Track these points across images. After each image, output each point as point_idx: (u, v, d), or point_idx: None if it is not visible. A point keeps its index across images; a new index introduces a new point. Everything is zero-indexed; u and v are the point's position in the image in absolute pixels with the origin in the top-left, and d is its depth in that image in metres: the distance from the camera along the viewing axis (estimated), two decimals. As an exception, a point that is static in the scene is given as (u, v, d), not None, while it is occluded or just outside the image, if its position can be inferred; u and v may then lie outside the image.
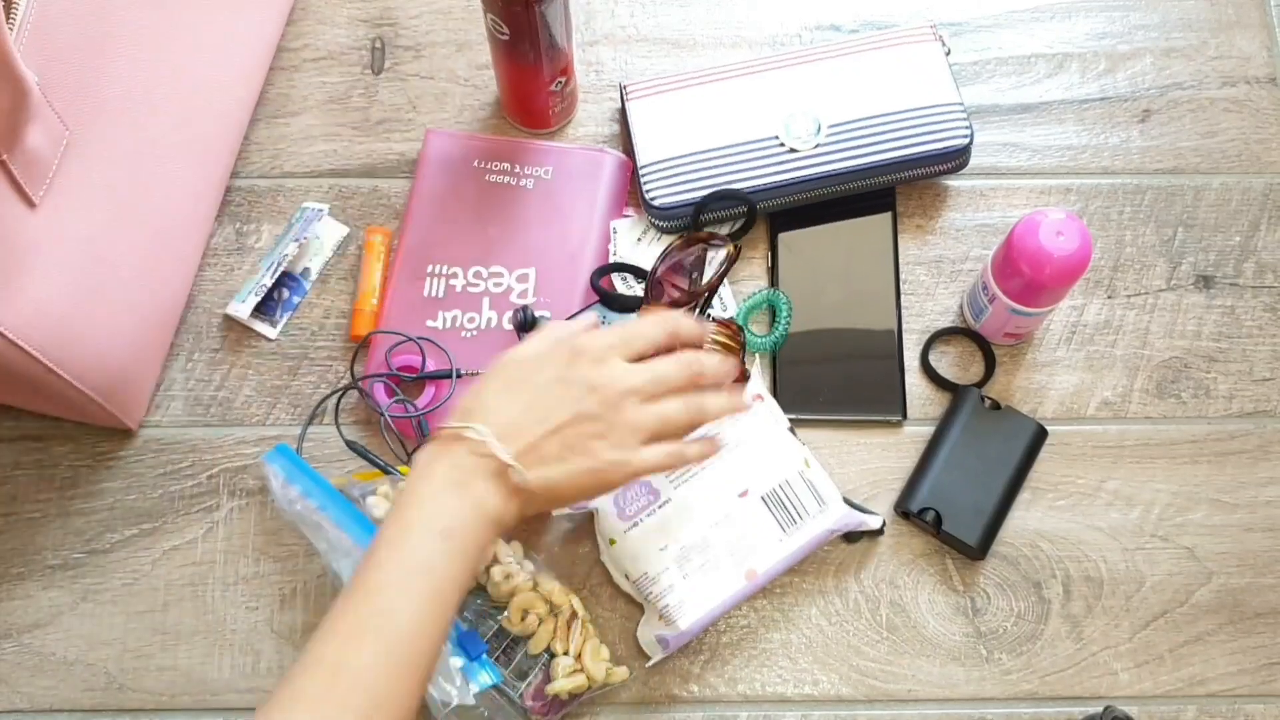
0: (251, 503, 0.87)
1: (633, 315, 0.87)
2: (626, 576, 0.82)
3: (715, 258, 0.88)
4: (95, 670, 0.84)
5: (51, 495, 0.87)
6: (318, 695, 0.60)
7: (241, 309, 0.90)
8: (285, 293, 0.92)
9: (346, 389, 0.88)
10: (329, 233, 0.94)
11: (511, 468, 0.67)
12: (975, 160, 0.96)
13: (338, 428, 0.87)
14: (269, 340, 0.91)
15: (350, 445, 0.86)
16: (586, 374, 0.70)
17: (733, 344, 0.86)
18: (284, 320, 0.92)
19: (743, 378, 0.87)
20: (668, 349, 0.74)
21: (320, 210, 0.93)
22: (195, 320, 0.92)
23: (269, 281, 0.90)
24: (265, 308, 0.92)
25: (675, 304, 0.86)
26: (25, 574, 0.86)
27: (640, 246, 0.92)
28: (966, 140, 0.91)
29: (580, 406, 0.69)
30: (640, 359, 0.72)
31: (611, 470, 0.70)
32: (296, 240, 0.91)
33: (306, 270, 0.93)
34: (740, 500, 0.83)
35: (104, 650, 0.84)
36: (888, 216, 0.94)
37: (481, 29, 1.00)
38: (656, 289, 0.87)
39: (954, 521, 0.84)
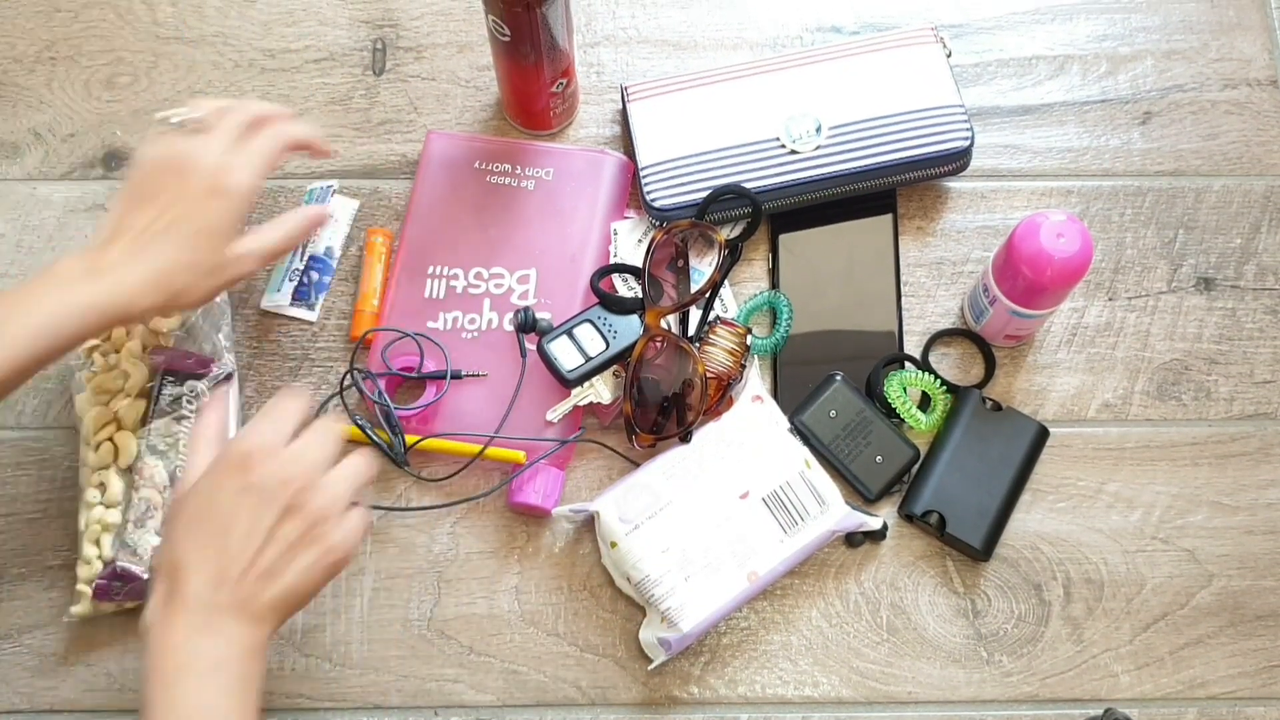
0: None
1: (634, 317, 0.87)
2: (628, 579, 0.82)
3: (708, 252, 0.87)
4: (95, 670, 0.84)
5: (52, 495, 0.87)
6: None
7: (280, 298, 0.90)
8: (315, 275, 0.92)
9: (344, 389, 0.88)
10: (342, 210, 0.94)
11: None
12: (976, 162, 0.96)
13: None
14: (309, 324, 0.92)
15: (356, 421, 0.86)
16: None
17: (738, 346, 0.86)
18: (320, 301, 0.92)
19: (725, 387, 0.87)
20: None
21: (330, 186, 0.93)
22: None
23: (301, 265, 0.91)
24: (299, 293, 0.92)
25: (679, 305, 0.86)
26: (25, 574, 0.86)
27: (641, 248, 0.92)
28: (967, 142, 0.91)
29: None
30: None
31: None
32: None
33: (330, 250, 0.93)
34: (741, 502, 0.83)
35: (104, 650, 0.84)
36: (888, 218, 0.94)
37: (483, 30, 1.00)
38: (654, 288, 0.87)
39: (958, 523, 0.84)
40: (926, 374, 0.89)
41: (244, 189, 0.76)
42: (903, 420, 0.88)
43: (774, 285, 0.92)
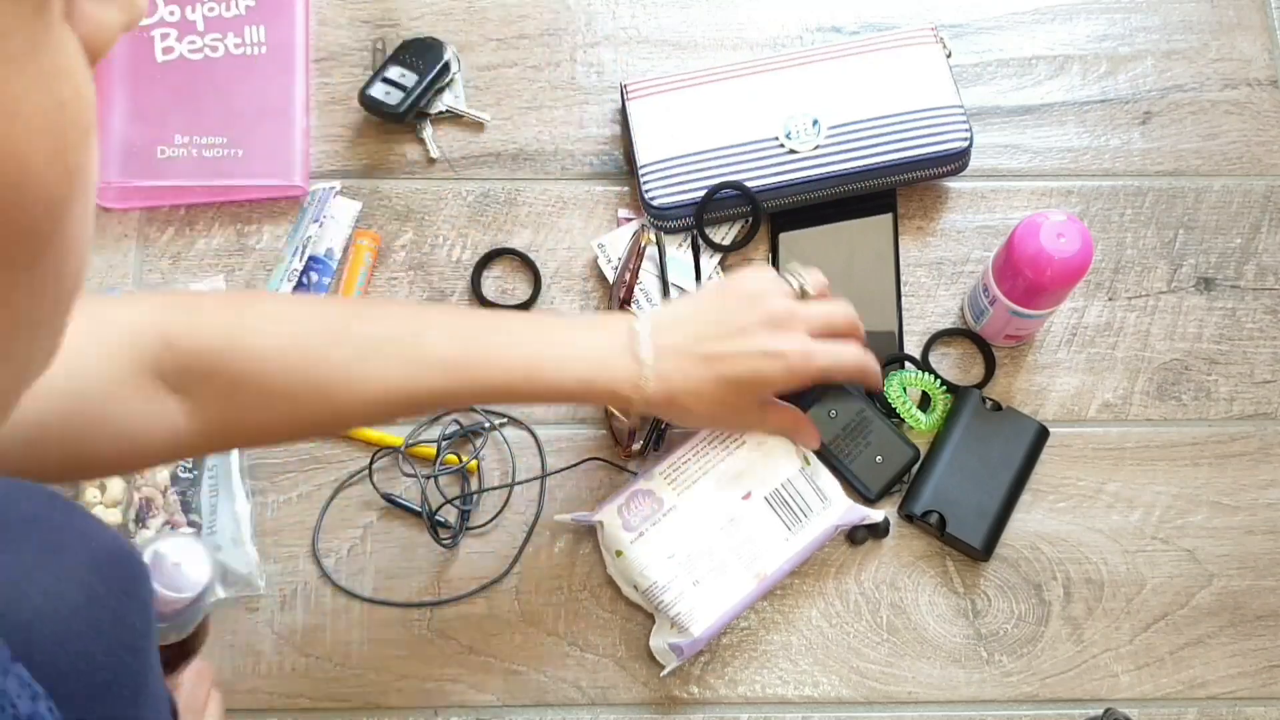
0: (252, 503, 0.87)
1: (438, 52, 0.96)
2: (635, 587, 0.82)
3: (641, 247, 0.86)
4: (95, 671, 0.84)
5: (52, 496, 0.87)
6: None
7: None
8: (314, 276, 0.92)
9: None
10: (343, 211, 0.94)
11: (644, 363, 0.71)
12: (976, 162, 0.96)
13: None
14: None
15: (386, 497, 0.87)
16: (779, 307, 0.74)
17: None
18: None
19: None
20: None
21: (332, 188, 0.93)
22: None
23: (299, 265, 0.91)
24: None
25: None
26: (25, 574, 0.86)
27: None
28: (966, 143, 0.91)
29: (776, 325, 0.74)
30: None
31: (791, 360, 0.74)
32: (316, 221, 0.91)
33: (330, 251, 0.93)
34: (744, 503, 0.83)
35: (104, 651, 0.84)
36: (888, 218, 0.94)
37: (483, 30, 1.00)
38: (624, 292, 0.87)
39: (958, 524, 0.84)
40: (926, 374, 0.89)
41: (806, 375, 0.75)
42: (902, 420, 0.88)
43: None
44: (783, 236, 0.93)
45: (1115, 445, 0.90)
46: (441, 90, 0.96)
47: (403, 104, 0.93)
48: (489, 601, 0.85)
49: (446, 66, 0.96)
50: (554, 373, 0.70)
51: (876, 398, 0.88)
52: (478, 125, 0.97)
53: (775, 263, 0.93)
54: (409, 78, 0.94)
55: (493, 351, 0.69)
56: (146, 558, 0.60)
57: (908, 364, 0.90)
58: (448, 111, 0.96)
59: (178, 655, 0.65)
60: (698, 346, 0.72)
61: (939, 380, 0.88)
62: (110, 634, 0.48)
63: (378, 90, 0.94)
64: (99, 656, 0.47)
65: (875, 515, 0.85)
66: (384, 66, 0.96)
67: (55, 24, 0.30)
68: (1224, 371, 0.92)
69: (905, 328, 0.92)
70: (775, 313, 0.73)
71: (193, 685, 0.69)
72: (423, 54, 0.96)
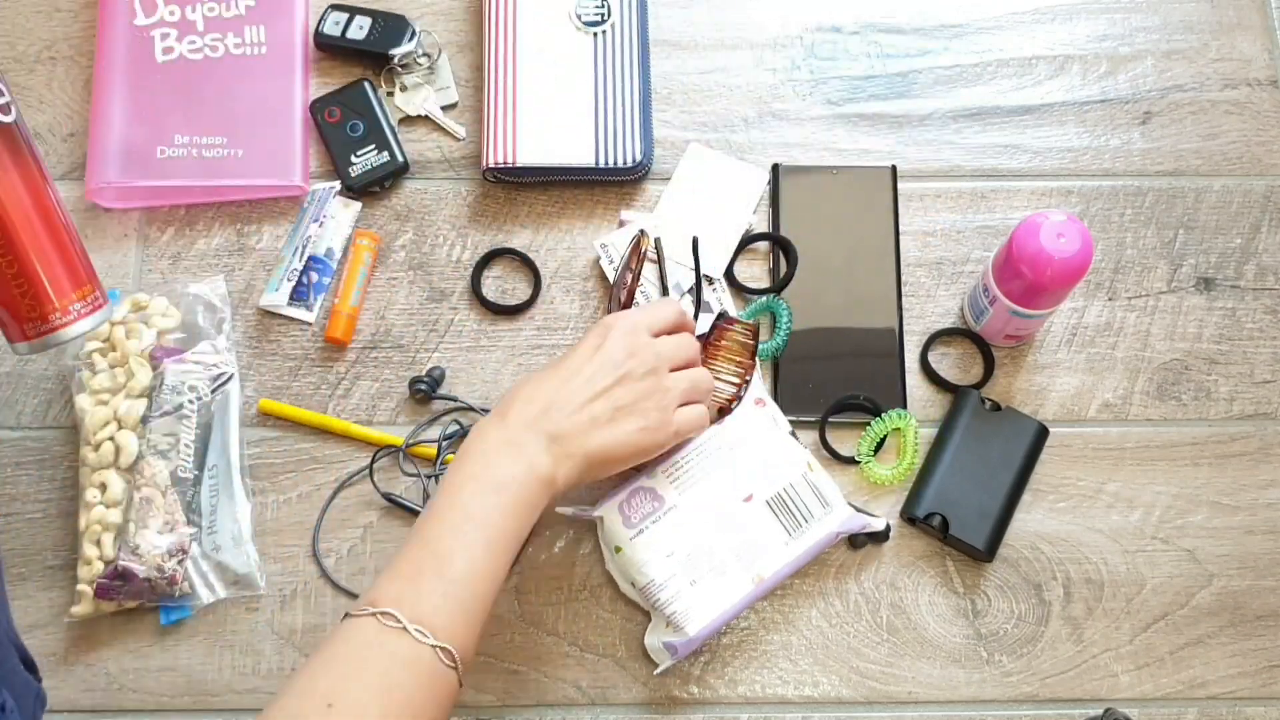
0: (252, 503, 0.87)
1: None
2: (633, 584, 0.82)
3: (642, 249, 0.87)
4: (95, 670, 0.84)
5: (52, 495, 0.87)
6: None
7: (278, 298, 0.90)
8: (314, 275, 0.92)
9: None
10: (343, 211, 0.94)
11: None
12: (976, 162, 0.96)
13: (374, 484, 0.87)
14: (307, 325, 0.92)
15: (386, 497, 0.86)
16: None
17: (748, 343, 0.86)
18: (318, 303, 0.92)
19: (742, 387, 0.87)
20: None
21: (332, 188, 0.93)
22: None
23: (299, 265, 0.91)
24: (297, 294, 0.92)
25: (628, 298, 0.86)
26: (25, 574, 0.86)
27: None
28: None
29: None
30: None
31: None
32: (316, 220, 0.91)
33: (330, 251, 0.93)
34: (745, 505, 0.82)
35: (104, 650, 0.84)
36: (889, 214, 0.94)
37: (483, 31, 1.00)
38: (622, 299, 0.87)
39: (960, 525, 0.84)
40: (895, 412, 0.88)
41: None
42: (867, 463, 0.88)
43: (775, 288, 0.92)
44: (784, 234, 0.93)
45: (1115, 445, 0.90)
46: (394, 55, 0.97)
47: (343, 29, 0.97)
48: (489, 601, 0.85)
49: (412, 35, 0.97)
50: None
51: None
52: (476, 124, 0.97)
53: (775, 264, 0.93)
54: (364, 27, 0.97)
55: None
56: None
57: (898, 411, 0.90)
58: (426, 116, 0.96)
59: None
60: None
61: (901, 415, 0.88)
62: None
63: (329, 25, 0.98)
64: None
65: (876, 524, 0.85)
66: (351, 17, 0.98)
67: None
68: (1224, 371, 0.92)
69: (905, 328, 0.92)
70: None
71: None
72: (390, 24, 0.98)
